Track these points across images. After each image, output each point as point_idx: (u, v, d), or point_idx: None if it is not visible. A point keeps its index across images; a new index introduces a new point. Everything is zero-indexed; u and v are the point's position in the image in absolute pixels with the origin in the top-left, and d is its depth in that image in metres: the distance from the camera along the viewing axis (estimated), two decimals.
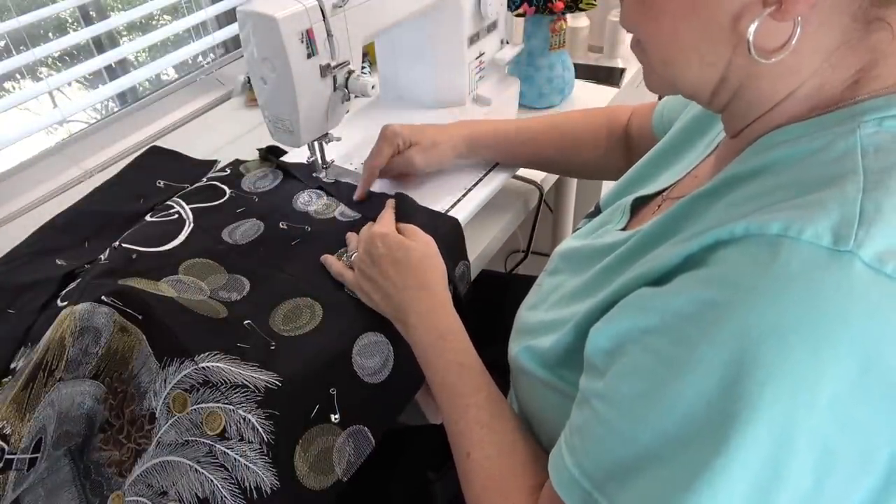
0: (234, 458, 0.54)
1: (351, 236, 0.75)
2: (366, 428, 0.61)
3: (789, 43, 0.38)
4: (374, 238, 0.67)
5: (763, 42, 0.39)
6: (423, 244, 0.67)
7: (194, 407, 0.56)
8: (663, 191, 0.59)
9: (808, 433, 0.33)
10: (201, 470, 0.54)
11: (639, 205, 0.61)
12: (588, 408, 0.43)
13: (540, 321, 0.55)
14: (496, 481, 0.51)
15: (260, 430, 0.55)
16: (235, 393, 0.56)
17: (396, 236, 0.67)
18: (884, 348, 0.33)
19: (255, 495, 0.53)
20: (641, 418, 0.38)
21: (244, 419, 0.55)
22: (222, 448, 0.54)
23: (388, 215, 0.72)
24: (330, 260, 0.72)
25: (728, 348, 0.34)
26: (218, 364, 0.58)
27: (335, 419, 0.59)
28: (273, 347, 0.62)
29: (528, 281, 0.68)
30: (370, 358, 0.63)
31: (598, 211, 0.66)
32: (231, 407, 0.55)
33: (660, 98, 0.76)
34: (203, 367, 0.57)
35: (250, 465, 0.54)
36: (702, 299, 0.36)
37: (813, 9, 0.37)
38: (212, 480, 0.53)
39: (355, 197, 0.82)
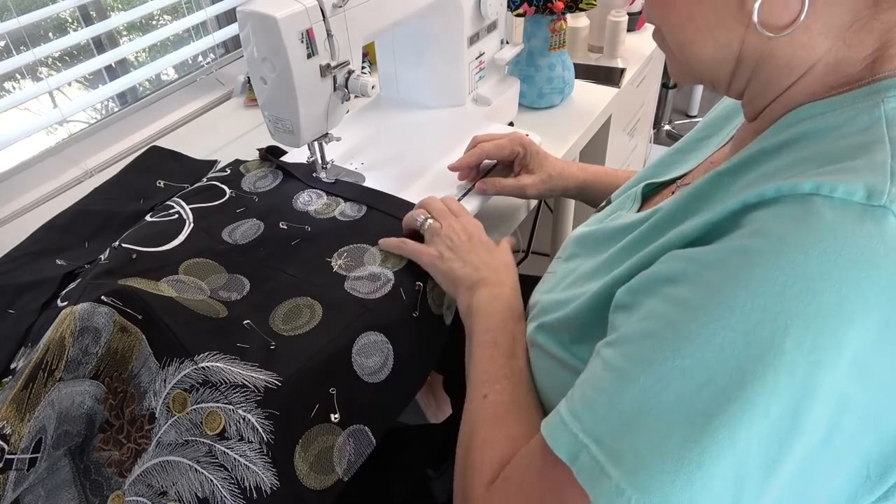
0: (234, 458, 0.54)
1: (428, 202, 0.76)
2: (366, 427, 0.61)
3: (798, 18, 0.39)
4: (465, 218, 0.72)
5: (772, 19, 0.40)
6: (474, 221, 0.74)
7: (194, 407, 0.56)
8: (676, 179, 0.59)
9: (829, 383, 0.33)
10: (201, 470, 0.54)
11: (650, 192, 0.61)
12: (596, 359, 0.42)
13: (555, 300, 0.55)
14: (501, 417, 0.52)
15: (259, 429, 0.55)
16: (235, 393, 0.56)
17: (481, 226, 0.73)
18: None
19: (254, 495, 0.53)
20: (644, 358, 0.37)
21: (244, 419, 0.55)
22: (222, 448, 0.54)
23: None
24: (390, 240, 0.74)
25: (752, 292, 0.34)
26: (217, 364, 0.58)
27: (335, 419, 0.59)
28: (273, 347, 0.62)
29: (529, 280, 0.68)
30: (370, 357, 0.63)
31: (608, 204, 0.67)
32: (231, 407, 0.55)
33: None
34: (203, 367, 0.57)
35: (250, 464, 0.54)
36: (728, 247, 0.37)
37: None
38: (212, 480, 0.53)
39: (454, 165, 0.84)
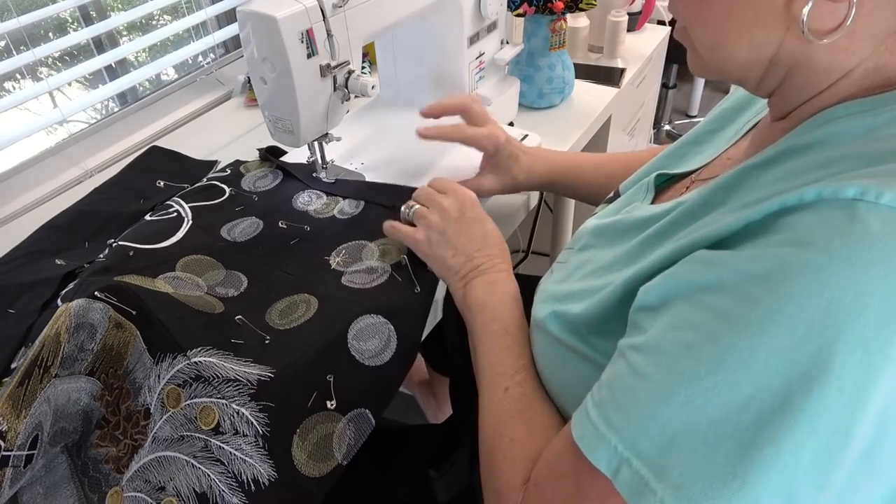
0: (230, 452, 0.54)
1: (422, 191, 0.73)
2: (366, 410, 0.60)
3: (844, 23, 0.38)
4: (453, 194, 0.69)
5: (817, 23, 0.39)
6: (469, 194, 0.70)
7: (188, 402, 0.56)
8: (690, 173, 0.58)
9: (877, 397, 0.32)
10: (198, 465, 0.54)
11: (662, 184, 0.60)
12: (623, 362, 0.41)
13: (570, 290, 0.54)
14: (524, 412, 0.52)
15: (254, 422, 0.55)
16: (228, 387, 0.56)
17: (474, 198, 0.70)
18: None
19: (252, 487, 0.53)
20: (685, 372, 0.36)
21: (238, 413, 0.55)
22: (217, 442, 0.54)
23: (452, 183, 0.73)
24: (393, 224, 0.72)
25: (797, 306, 0.33)
26: (210, 359, 0.58)
27: (331, 405, 0.58)
28: (267, 342, 0.62)
29: (530, 280, 0.68)
30: (368, 340, 0.62)
31: (617, 195, 0.66)
32: (224, 401, 0.55)
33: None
34: (195, 362, 0.57)
35: (246, 458, 0.54)
36: (771, 257, 0.35)
37: None
38: (208, 475, 0.54)
39: (424, 110, 0.80)
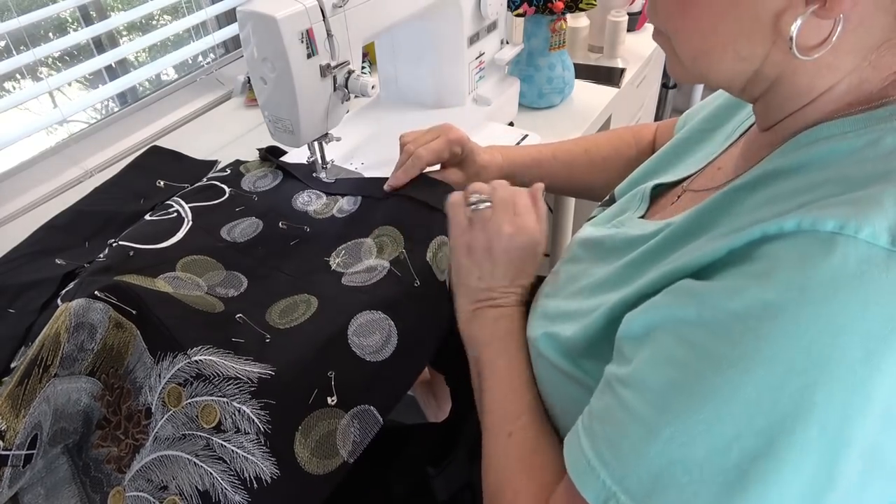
0: (232, 450, 0.54)
1: (497, 185, 0.65)
2: (371, 407, 0.60)
3: (829, 40, 0.38)
4: (526, 213, 0.62)
5: (803, 39, 0.39)
6: (540, 236, 0.62)
7: (189, 401, 0.56)
8: (682, 180, 0.58)
9: (861, 435, 0.32)
10: (200, 463, 0.54)
11: (657, 193, 0.60)
12: (610, 393, 0.41)
13: (560, 309, 0.54)
14: (529, 458, 0.51)
15: (255, 420, 0.55)
16: (229, 385, 0.56)
17: (534, 219, 0.62)
18: None
19: (255, 485, 0.53)
20: (669, 409, 0.36)
21: (239, 411, 0.55)
22: (219, 441, 0.54)
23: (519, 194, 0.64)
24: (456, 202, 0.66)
25: (778, 346, 0.33)
26: (210, 357, 0.58)
27: (332, 401, 0.58)
28: (268, 340, 0.62)
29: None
30: (369, 336, 0.62)
31: (612, 199, 0.66)
32: (225, 399, 0.55)
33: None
34: (196, 361, 0.57)
35: (248, 455, 0.54)
36: (750, 295, 0.35)
37: (855, 7, 0.37)
38: (211, 473, 0.54)
39: (389, 185, 0.77)
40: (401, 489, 0.73)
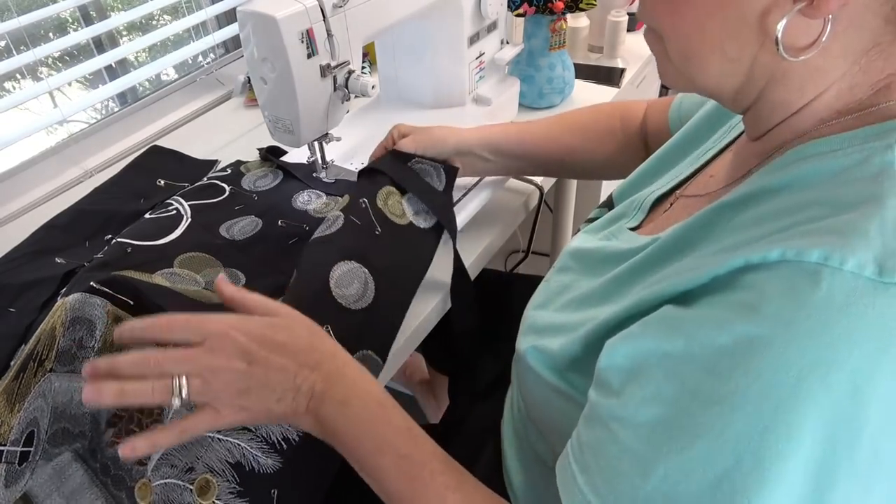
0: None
1: (173, 357, 0.47)
2: (370, 352, 0.62)
3: (819, 41, 0.38)
4: (240, 331, 0.49)
5: (791, 40, 0.38)
6: (293, 315, 0.53)
7: None
8: (677, 187, 0.58)
9: (847, 472, 0.33)
10: (224, 437, 0.54)
11: (656, 202, 0.60)
12: (601, 426, 0.41)
13: (548, 322, 0.54)
14: None
15: None
16: None
17: (261, 319, 0.51)
18: None
19: (284, 446, 0.54)
20: (662, 446, 0.37)
21: None
22: None
23: (251, 299, 0.53)
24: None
25: (765, 383, 0.33)
26: None
27: None
28: None
29: (530, 280, 0.68)
30: (349, 286, 0.64)
31: (610, 201, 0.66)
32: None
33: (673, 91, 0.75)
34: None
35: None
36: (737, 329, 0.35)
37: (844, 7, 0.36)
38: (239, 444, 0.54)
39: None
40: None
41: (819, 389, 0.32)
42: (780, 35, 0.38)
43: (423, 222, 0.74)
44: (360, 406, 0.50)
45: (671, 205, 0.56)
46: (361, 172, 0.79)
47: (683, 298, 0.40)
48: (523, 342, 0.55)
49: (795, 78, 0.41)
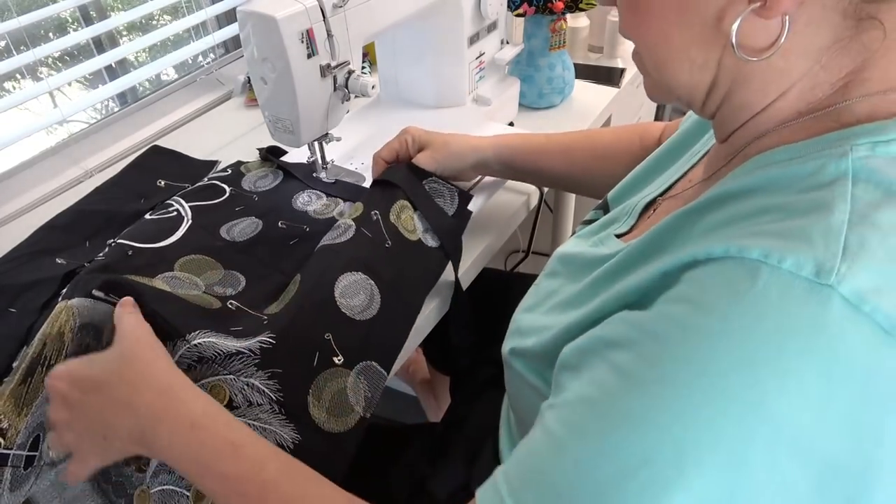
0: (250, 424, 0.54)
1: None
2: (373, 362, 0.62)
3: (777, 42, 0.38)
4: (59, 377, 0.52)
5: (750, 41, 0.38)
6: (119, 338, 0.53)
7: (196, 384, 0.56)
8: (664, 192, 0.59)
9: (767, 466, 0.32)
10: None
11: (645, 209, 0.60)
12: (539, 419, 0.41)
13: (531, 325, 0.54)
14: None
15: (265, 390, 0.55)
16: (232, 362, 0.56)
17: (75, 363, 0.53)
18: (850, 385, 0.32)
19: None
20: (580, 428, 0.36)
21: (247, 384, 0.55)
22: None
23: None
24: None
25: (693, 372, 0.33)
26: (209, 339, 0.58)
27: (338, 361, 0.59)
28: (265, 322, 0.62)
29: (530, 280, 0.68)
30: (354, 297, 0.64)
31: (605, 203, 0.66)
32: (231, 376, 0.55)
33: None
34: (196, 345, 0.57)
35: (266, 426, 0.54)
36: (672, 318, 0.35)
37: (801, 6, 0.36)
38: None
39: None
40: (401, 490, 0.73)
41: (745, 385, 0.32)
42: (734, 37, 0.38)
43: (431, 241, 0.74)
44: (168, 434, 0.49)
45: (654, 211, 0.57)
46: (375, 182, 0.78)
47: (638, 302, 0.40)
48: (507, 344, 0.56)
49: (757, 79, 0.41)
